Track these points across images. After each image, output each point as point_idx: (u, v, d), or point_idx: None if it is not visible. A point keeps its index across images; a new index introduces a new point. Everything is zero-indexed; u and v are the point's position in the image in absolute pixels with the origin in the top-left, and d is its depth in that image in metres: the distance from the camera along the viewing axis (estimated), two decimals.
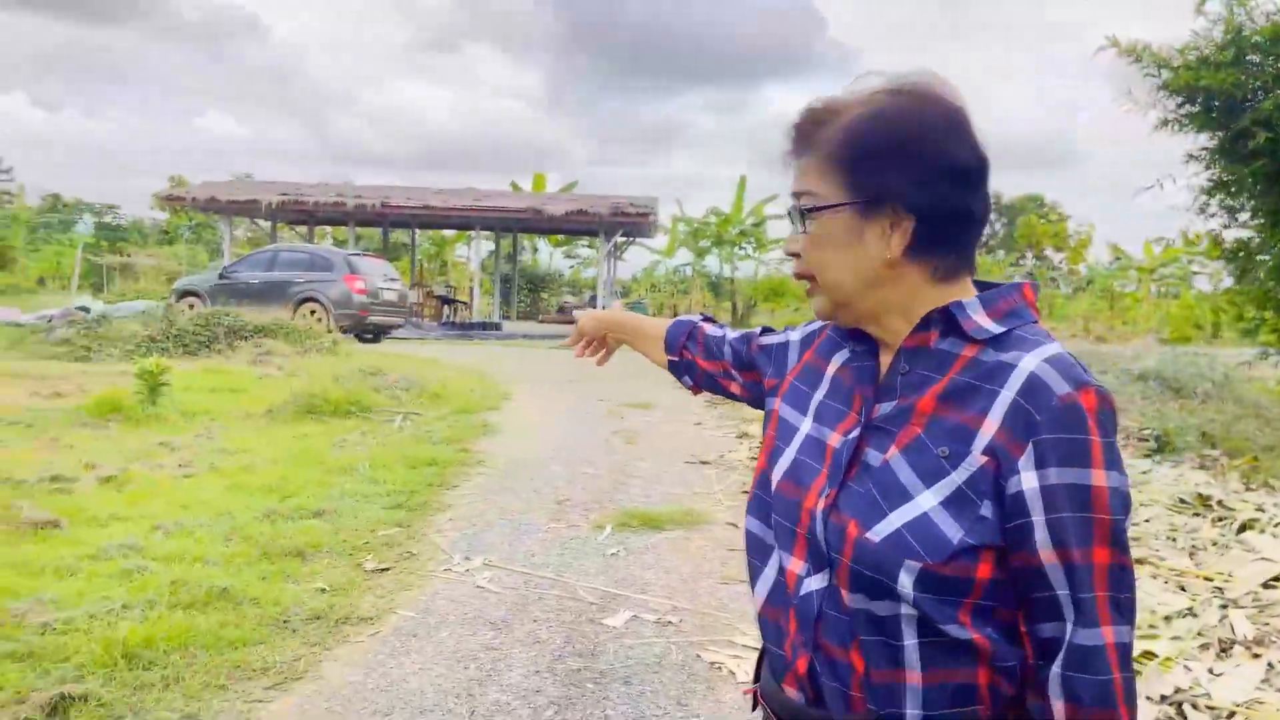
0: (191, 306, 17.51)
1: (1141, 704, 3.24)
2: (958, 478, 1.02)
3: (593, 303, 28.76)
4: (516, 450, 7.92)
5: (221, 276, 19.28)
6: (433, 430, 8.62)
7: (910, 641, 1.02)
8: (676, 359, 1.57)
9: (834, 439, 1.14)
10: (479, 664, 3.58)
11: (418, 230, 33.66)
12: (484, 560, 4.84)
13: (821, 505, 1.09)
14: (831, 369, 1.22)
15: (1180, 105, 7.64)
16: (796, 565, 1.12)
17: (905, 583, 1.00)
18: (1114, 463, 1.00)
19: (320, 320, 17.49)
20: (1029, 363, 1.03)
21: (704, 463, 7.78)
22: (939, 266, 1.10)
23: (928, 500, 1.02)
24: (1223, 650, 3.62)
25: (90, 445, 7.30)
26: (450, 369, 13.25)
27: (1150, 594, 4.18)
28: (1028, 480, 0.99)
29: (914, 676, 1.03)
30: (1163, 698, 3.26)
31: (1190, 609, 3.99)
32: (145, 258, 41.57)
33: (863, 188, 1.07)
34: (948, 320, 1.09)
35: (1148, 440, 7.70)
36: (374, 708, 3.20)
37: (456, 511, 5.86)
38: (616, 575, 4.70)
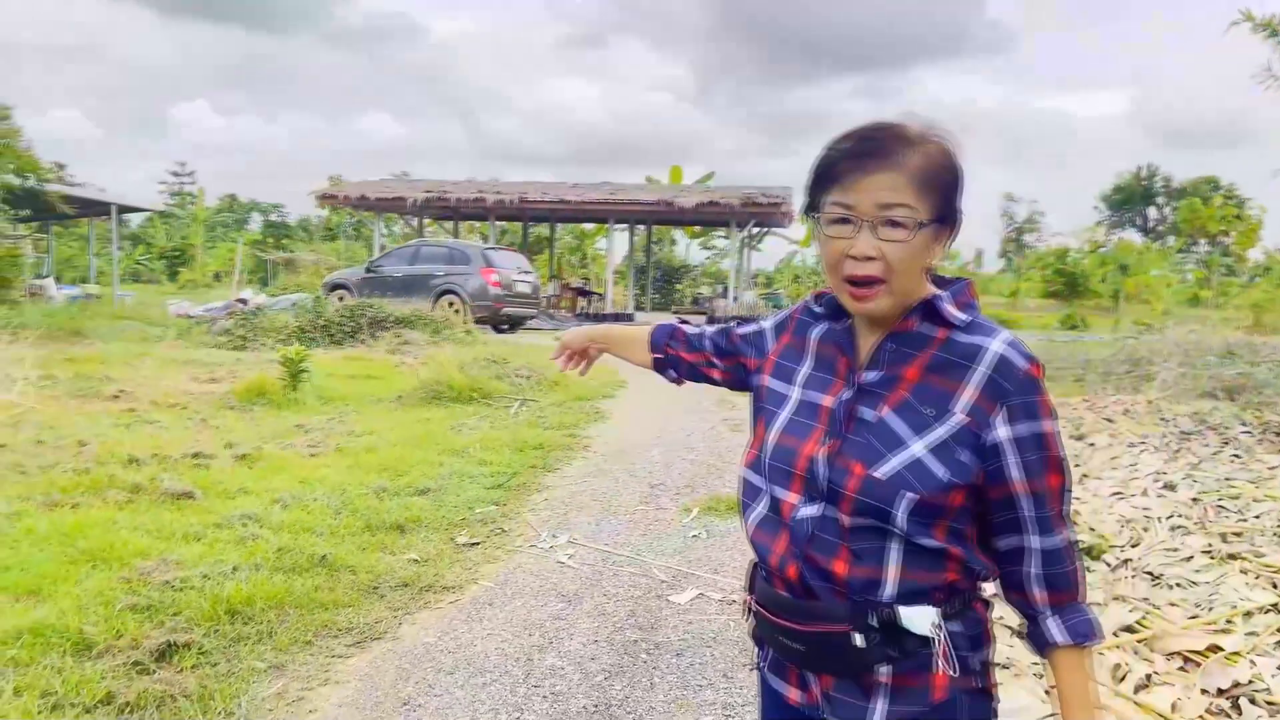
0: (341, 299, 18.54)
1: (1195, 696, 3.17)
2: (942, 431, 1.32)
3: (725, 294, 28.79)
4: (622, 436, 8.15)
5: (368, 270, 20.32)
6: (545, 416, 8.96)
7: (894, 548, 1.33)
8: (661, 356, 1.83)
9: (827, 400, 1.42)
10: (543, 632, 3.81)
11: (559, 224, 34.52)
12: (569, 538, 5.08)
13: (824, 452, 1.37)
14: (812, 345, 1.50)
15: None
16: (792, 498, 1.40)
17: (900, 509, 1.31)
18: (1054, 413, 1.36)
19: (458, 312, 18.24)
20: (996, 346, 1.34)
21: None
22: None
23: (919, 448, 1.32)
24: None
25: (234, 426, 7.95)
26: None
27: (1235, 589, 4.03)
28: (1002, 433, 1.32)
29: (893, 573, 1.33)
30: (1220, 691, 3.18)
31: (1276, 605, 3.82)
32: (307, 253, 44.07)
33: (944, 209, 1.35)
34: (926, 308, 1.38)
35: None
36: (439, 666, 3.46)
37: (552, 493, 6.12)
38: (693, 556, 4.85)
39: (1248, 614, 3.79)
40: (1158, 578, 4.37)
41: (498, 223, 30.14)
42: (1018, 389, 1.32)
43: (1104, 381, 12.10)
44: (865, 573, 1.34)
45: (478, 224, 37.51)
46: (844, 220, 1.33)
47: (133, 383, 9.82)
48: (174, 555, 4.33)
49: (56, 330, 14.20)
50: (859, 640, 1.33)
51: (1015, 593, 1.40)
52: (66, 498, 5.20)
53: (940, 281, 1.44)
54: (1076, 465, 6.84)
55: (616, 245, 31.30)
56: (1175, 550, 4.66)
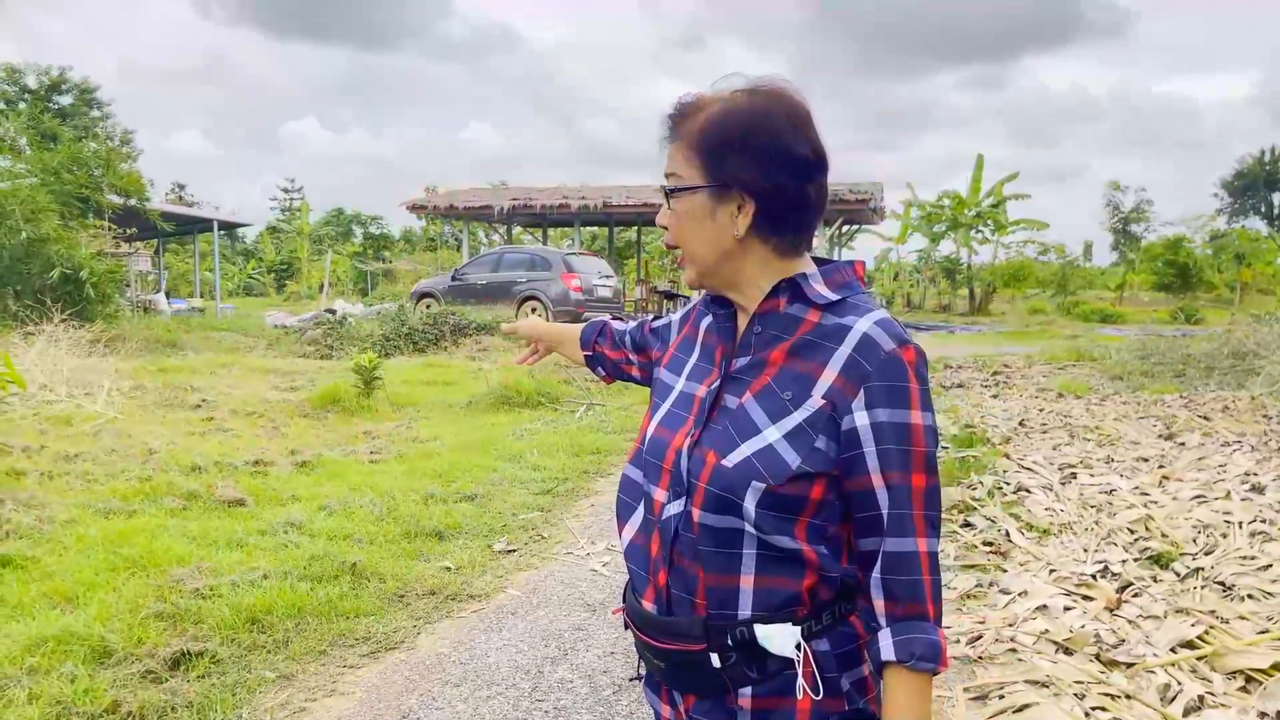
0: (429, 307, 18.87)
1: (1252, 719, 2.88)
2: (799, 416, 1.23)
3: None
4: None
5: (454, 278, 20.64)
6: (609, 419, 8.89)
7: (749, 552, 1.22)
8: (590, 353, 1.82)
9: (701, 391, 1.34)
10: (560, 643, 3.71)
11: (647, 227, 34.50)
12: (606, 545, 4.98)
13: (687, 443, 1.29)
14: (700, 335, 1.43)
15: None
16: (660, 495, 1.31)
17: (750, 501, 1.21)
18: (927, 405, 1.23)
19: (540, 317, 18.37)
20: (862, 325, 1.24)
21: None
22: (780, 244, 1.30)
23: (773, 434, 1.23)
24: None
25: (302, 433, 8.11)
26: None
27: None
28: (860, 419, 1.20)
29: (748, 582, 1.23)
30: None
31: None
32: (405, 263, 45.16)
33: (715, 174, 1.26)
34: (794, 289, 1.29)
35: None
36: (446, 678, 3.40)
37: (600, 498, 6.03)
38: None
39: None
40: (1229, 588, 4.03)
41: (587, 228, 30.30)
42: (879, 371, 1.21)
43: (1205, 377, 11.41)
44: (721, 581, 1.24)
45: (583, 230, 37.87)
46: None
47: (215, 391, 10.14)
48: (209, 563, 4.39)
49: (155, 342, 14.80)
50: (715, 661, 1.25)
51: (863, 599, 1.25)
52: (124, 505, 5.35)
53: (822, 263, 1.35)
54: (1160, 466, 6.42)
55: None
56: (1252, 558, 4.30)
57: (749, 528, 1.21)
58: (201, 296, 29.72)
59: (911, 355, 1.22)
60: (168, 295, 26.51)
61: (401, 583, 4.32)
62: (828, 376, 1.22)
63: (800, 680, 1.23)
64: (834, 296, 1.28)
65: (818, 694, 1.23)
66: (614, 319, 1.84)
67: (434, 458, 7.11)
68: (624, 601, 1.44)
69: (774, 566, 1.23)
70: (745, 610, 1.23)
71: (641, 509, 1.36)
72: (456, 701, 3.22)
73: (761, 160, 1.24)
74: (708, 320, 1.42)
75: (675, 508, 1.28)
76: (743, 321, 1.35)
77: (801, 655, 1.23)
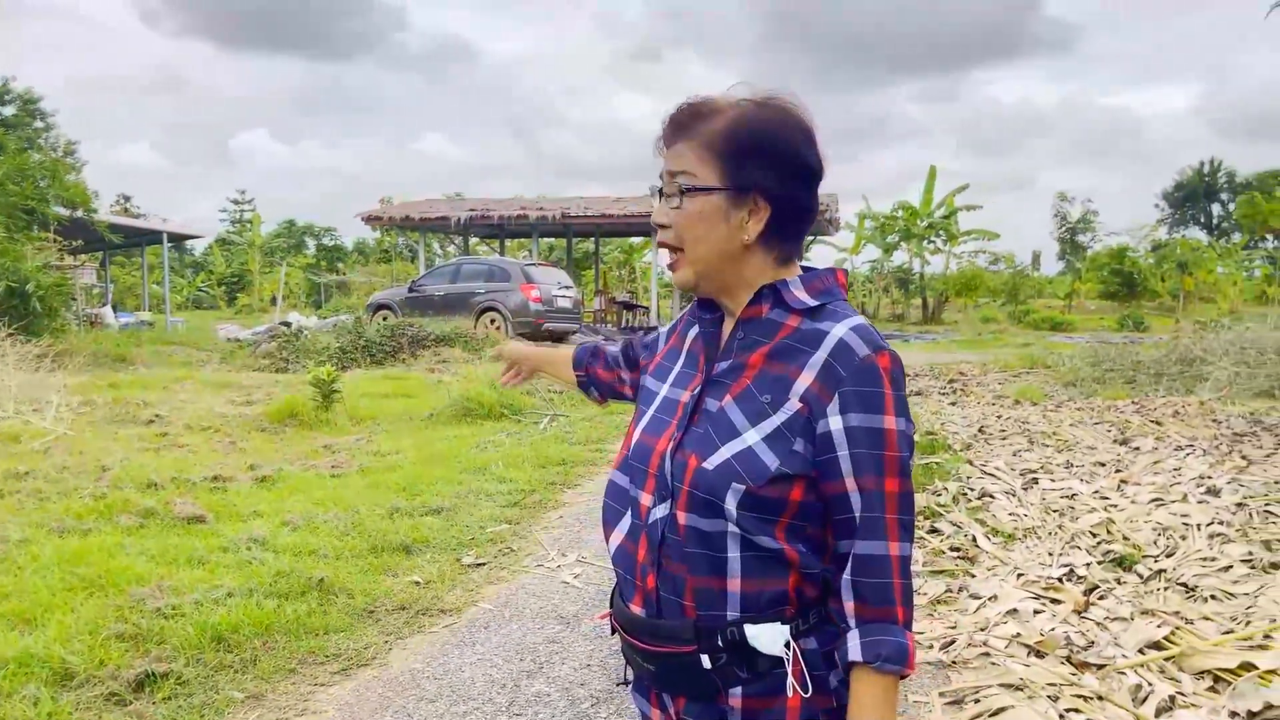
0: (385, 319, 18.68)
1: (1223, 719, 2.93)
2: (777, 419, 1.25)
3: None
4: None
5: (411, 290, 20.46)
6: (574, 431, 8.85)
7: (733, 554, 1.24)
8: (583, 374, 1.84)
9: (684, 396, 1.37)
10: (535, 656, 3.68)
11: (605, 238, 34.50)
12: (577, 557, 4.95)
13: (670, 446, 1.31)
14: (687, 343, 1.45)
15: None
16: (646, 499, 1.33)
17: (731, 502, 1.23)
18: (902, 410, 1.24)
19: (499, 328, 18.26)
20: (838, 330, 1.26)
21: None
22: (780, 252, 1.34)
23: (752, 437, 1.25)
24: None
25: (261, 448, 7.97)
26: None
27: (1276, 601, 3.76)
28: (834, 423, 1.23)
29: (734, 584, 1.25)
30: (1251, 713, 2.94)
31: None
32: (359, 275, 44.66)
33: (735, 177, 1.28)
34: (775, 294, 1.32)
35: None
36: (421, 694, 3.35)
37: (569, 510, 6.00)
38: None
39: None
40: (1192, 590, 4.11)
41: (545, 239, 30.22)
42: (853, 376, 1.23)
43: (1155, 383, 11.66)
44: (708, 584, 1.26)
45: (546, 241, 37.75)
46: (659, 192, 1.36)
47: (168, 406, 9.93)
48: (170, 581, 4.28)
49: (103, 356, 14.49)
50: (706, 662, 1.27)
51: (834, 601, 1.26)
52: (79, 523, 5.21)
53: (808, 270, 1.38)
54: (1117, 471, 6.54)
55: (658, 259, 31.17)
56: (1213, 560, 4.39)
57: (732, 528, 1.23)
58: (150, 310, 29.15)
59: (887, 361, 1.24)
60: (115, 309, 25.96)
61: (370, 598, 4.25)
62: (804, 380, 1.25)
63: (790, 678, 1.25)
64: (813, 302, 1.31)
65: (807, 691, 1.25)
66: (605, 340, 1.87)
67: (397, 471, 7.02)
68: (611, 606, 1.46)
69: (759, 568, 1.25)
70: (734, 611, 1.25)
71: (629, 515, 1.37)
72: (432, 718, 3.17)
73: (780, 168, 1.28)
74: (694, 330, 1.45)
75: (661, 511, 1.30)
76: (728, 327, 1.38)
77: (791, 654, 1.25)
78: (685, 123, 1.32)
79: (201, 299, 49.94)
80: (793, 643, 1.25)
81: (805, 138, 1.31)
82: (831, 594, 1.27)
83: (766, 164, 1.28)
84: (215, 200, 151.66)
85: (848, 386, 1.22)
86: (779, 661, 1.25)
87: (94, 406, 9.80)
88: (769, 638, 1.25)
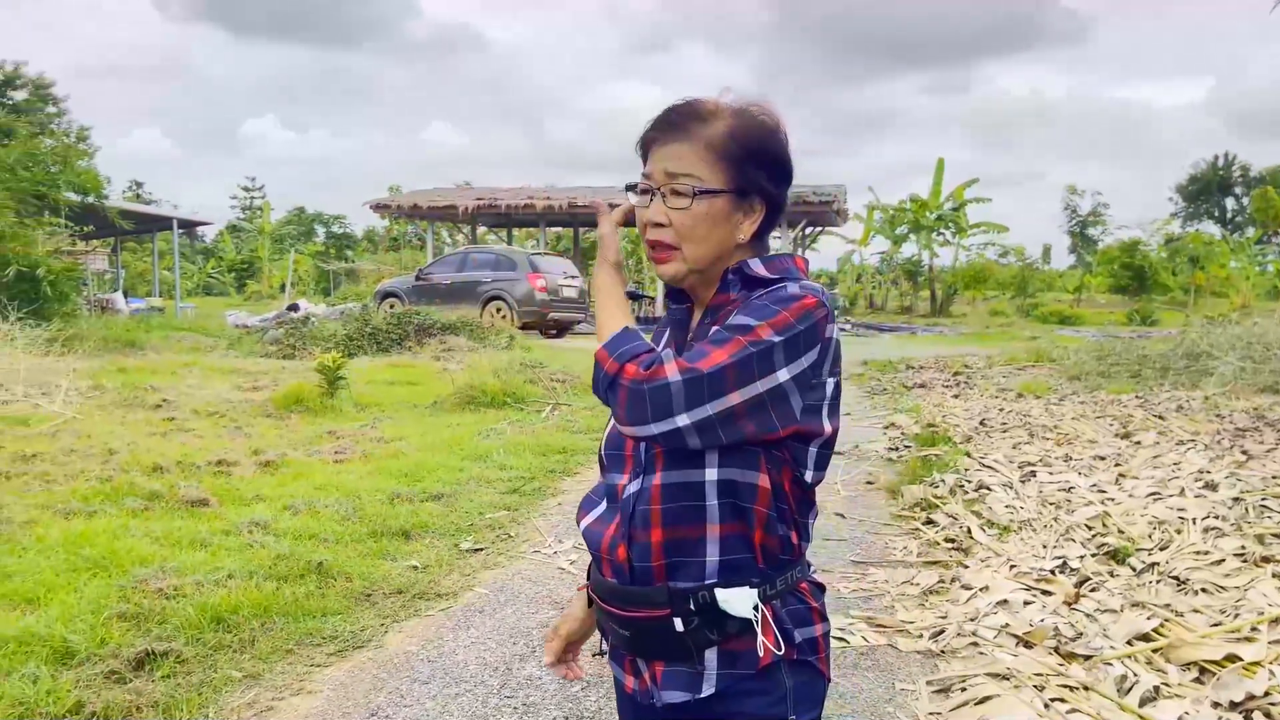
0: (392, 307, 18.75)
1: (1205, 710, 2.96)
2: None
3: None
4: None
5: (418, 278, 20.55)
6: (576, 419, 8.90)
7: (712, 501, 1.30)
8: None
9: None
10: (528, 640, 3.72)
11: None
12: (574, 543, 4.99)
13: None
14: (665, 335, 1.50)
15: None
16: (623, 480, 1.38)
17: (694, 439, 1.26)
18: (786, 331, 1.25)
19: (505, 317, 18.32)
20: (788, 285, 1.33)
21: (837, 453, 7.62)
22: (758, 247, 1.42)
23: None
24: None
25: (266, 433, 8.03)
26: None
27: (1264, 594, 3.78)
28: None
29: (714, 530, 1.30)
30: (1233, 704, 2.97)
31: None
32: (368, 263, 44.75)
33: (738, 180, 1.35)
34: (740, 274, 1.38)
35: None
36: (415, 675, 3.40)
37: (567, 497, 6.05)
38: None
39: (1276, 620, 3.54)
40: (1184, 583, 4.13)
41: (552, 229, 30.25)
42: (768, 294, 1.30)
43: (1161, 377, 11.64)
44: (686, 533, 1.31)
45: (553, 230, 37.79)
46: (646, 190, 1.38)
47: (176, 392, 10.01)
48: (173, 563, 4.34)
49: (113, 342, 14.58)
50: (679, 625, 1.32)
51: None
52: (84, 505, 5.28)
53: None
54: (1116, 465, 6.56)
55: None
56: (1206, 553, 4.41)
57: (711, 474, 1.28)
58: (160, 296, 29.29)
59: (811, 301, 1.28)
60: (125, 294, 26.10)
61: (368, 582, 4.31)
62: (740, 313, 1.30)
63: (761, 638, 1.30)
64: (773, 277, 1.36)
65: (780, 650, 1.31)
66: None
67: (400, 458, 7.07)
68: (588, 578, 1.51)
69: (735, 513, 1.30)
70: (710, 557, 1.30)
71: (604, 502, 1.44)
72: (425, 699, 3.22)
73: (773, 171, 1.37)
74: (670, 320, 1.52)
75: (634, 485, 1.35)
76: (696, 316, 1.46)
77: (760, 616, 1.31)
78: (681, 124, 1.36)
79: (211, 285, 50.13)
80: (761, 605, 1.31)
81: (786, 142, 1.40)
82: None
83: (764, 167, 1.36)
84: (225, 187, 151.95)
85: (755, 300, 1.30)
86: (748, 624, 1.31)
87: (103, 391, 9.88)
88: (738, 601, 1.30)
